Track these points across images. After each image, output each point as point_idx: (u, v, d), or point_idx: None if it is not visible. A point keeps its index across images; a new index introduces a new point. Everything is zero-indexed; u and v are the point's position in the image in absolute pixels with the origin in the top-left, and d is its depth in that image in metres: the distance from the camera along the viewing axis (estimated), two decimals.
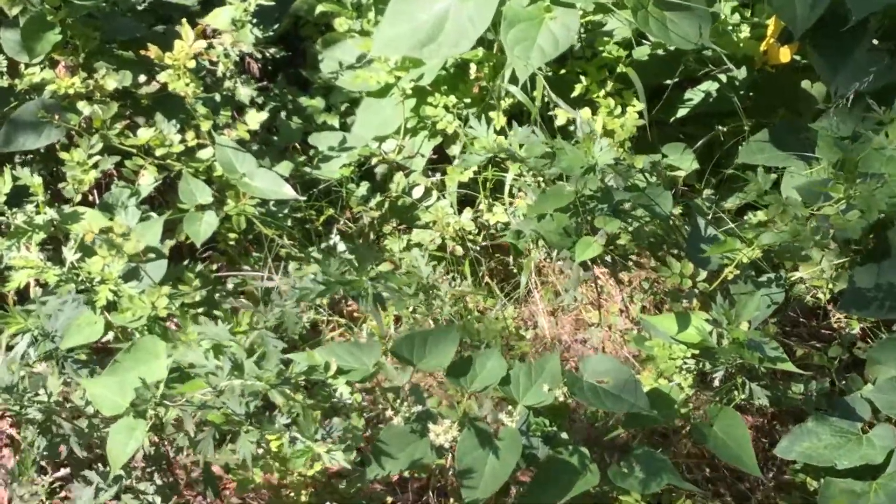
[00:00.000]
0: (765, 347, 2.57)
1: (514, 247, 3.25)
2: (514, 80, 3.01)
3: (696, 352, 2.59)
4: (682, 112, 3.31)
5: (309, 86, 3.87)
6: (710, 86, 3.32)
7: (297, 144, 3.62)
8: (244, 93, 3.39)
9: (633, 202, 2.68)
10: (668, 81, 3.31)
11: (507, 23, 2.97)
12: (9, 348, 2.63)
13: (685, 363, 2.58)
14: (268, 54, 3.43)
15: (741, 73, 3.13)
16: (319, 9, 3.91)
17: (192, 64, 3.00)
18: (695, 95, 3.33)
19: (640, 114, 3.09)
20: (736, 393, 2.64)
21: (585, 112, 2.97)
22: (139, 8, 3.66)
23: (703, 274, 2.68)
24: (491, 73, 3.29)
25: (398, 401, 2.43)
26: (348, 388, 2.48)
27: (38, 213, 2.90)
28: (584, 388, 2.47)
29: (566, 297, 2.80)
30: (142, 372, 2.39)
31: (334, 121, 3.70)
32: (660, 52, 3.31)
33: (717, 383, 2.59)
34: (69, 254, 2.78)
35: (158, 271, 2.91)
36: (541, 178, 2.88)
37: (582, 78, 3.16)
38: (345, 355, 2.44)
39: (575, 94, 3.14)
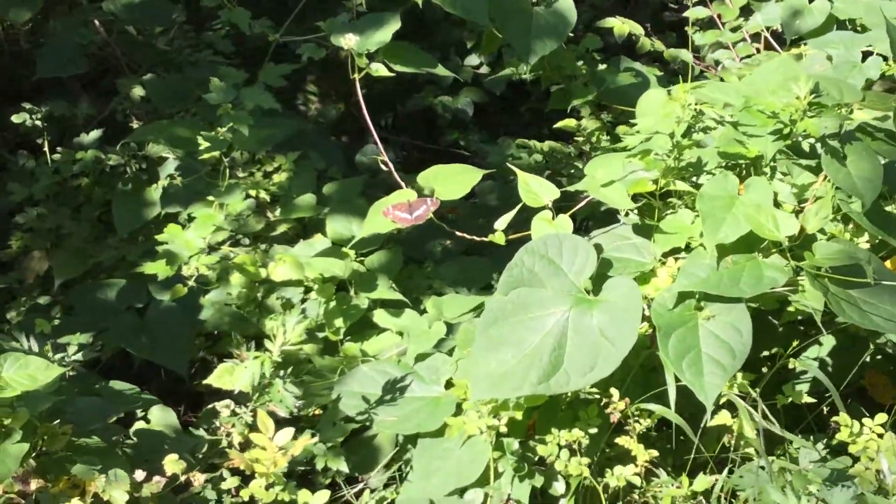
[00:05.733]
0: None
1: None
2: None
3: None
4: (801, 387, 2.79)
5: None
6: (819, 351, 2.85)
7: None
8: None
9: None
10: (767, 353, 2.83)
11: (661, 333, 2.36)
12: None
13: None
14: (293, 410, 2.64)
15: None
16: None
17: (283, 463, 2.18)
18: (806, 366, 2.83)
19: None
20: None
21: None
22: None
23: None
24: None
25: None
26: None
27: None
28: None
29: None
30: None
31: (340, 464, 2.91)
32: None
33: None
34: None
35: None
36: None
37: None
38: None
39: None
